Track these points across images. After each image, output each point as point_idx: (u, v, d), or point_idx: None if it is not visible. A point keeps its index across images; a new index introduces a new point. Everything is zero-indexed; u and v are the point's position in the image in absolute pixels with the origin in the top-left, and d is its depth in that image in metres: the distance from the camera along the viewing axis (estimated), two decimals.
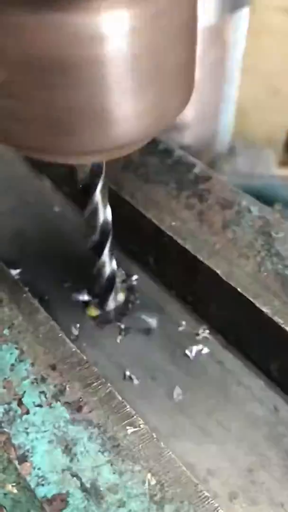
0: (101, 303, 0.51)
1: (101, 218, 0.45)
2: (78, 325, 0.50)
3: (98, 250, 0.47)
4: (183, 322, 0.50)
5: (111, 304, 0.51)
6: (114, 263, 0.49)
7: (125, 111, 0.32)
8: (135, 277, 0.54)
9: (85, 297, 0.52)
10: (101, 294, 0.51)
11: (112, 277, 0.49)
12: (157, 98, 0.33)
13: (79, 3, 0.28)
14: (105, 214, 0.45)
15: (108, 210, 0.45)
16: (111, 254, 0.48)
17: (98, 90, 0.31)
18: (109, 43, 0.29)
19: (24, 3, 0.28)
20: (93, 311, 0.51)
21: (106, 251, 0.47)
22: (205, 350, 0.48)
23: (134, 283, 0.53)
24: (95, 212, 0.45)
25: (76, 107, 0.31)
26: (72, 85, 0.30)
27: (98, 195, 0.44)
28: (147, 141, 0.38)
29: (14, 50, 0.29)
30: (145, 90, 0.32)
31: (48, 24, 0.28)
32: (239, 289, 0.44)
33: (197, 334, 0.49)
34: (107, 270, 0.49)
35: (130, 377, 0.47)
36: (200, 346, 0.48)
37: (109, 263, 0.48)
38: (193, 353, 0.48)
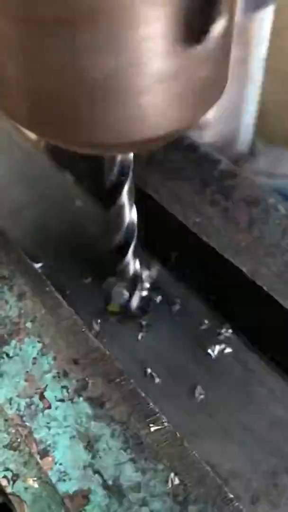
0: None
1: (127, 219, 0.45)
2: (99, 321, 0.49)
3: (122, 250, 0.46)
4: (205, 321, 0.49)
5: (133, 304, 0.50)
6: (137, 264, 0.49)
7: (156, 103, 0.32)
8: (157, 273, 0.53)
9: None
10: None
11: (134, 279, 0.49)
12: (191, 90, 0.32)
13: None
14: (131, 214, 0.45)
15: (134, 210, 0.45)
16: (135, 255, 0.47)
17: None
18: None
19: None
20: (114, 307, 0.50)
21: (130, 252, 0.47)
22: (228, 350, 0.48)
23: (156, 279, 0.52)
24: (121, 212, 0.44)
25: (108, 98, 0.31)
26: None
27: (125, 196, 0.43)
28: (177, 135, 0.37)
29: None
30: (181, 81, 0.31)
31: None
32: (265, 288, 0.43)
33: (220, 333, 0.48)
34: (130, 271, 0.48)
35: (151, 375, 0.46)
36: (222, 345, 0.48)
37: (132, 265, 0.48)
38: (215, 352, 0.47)
